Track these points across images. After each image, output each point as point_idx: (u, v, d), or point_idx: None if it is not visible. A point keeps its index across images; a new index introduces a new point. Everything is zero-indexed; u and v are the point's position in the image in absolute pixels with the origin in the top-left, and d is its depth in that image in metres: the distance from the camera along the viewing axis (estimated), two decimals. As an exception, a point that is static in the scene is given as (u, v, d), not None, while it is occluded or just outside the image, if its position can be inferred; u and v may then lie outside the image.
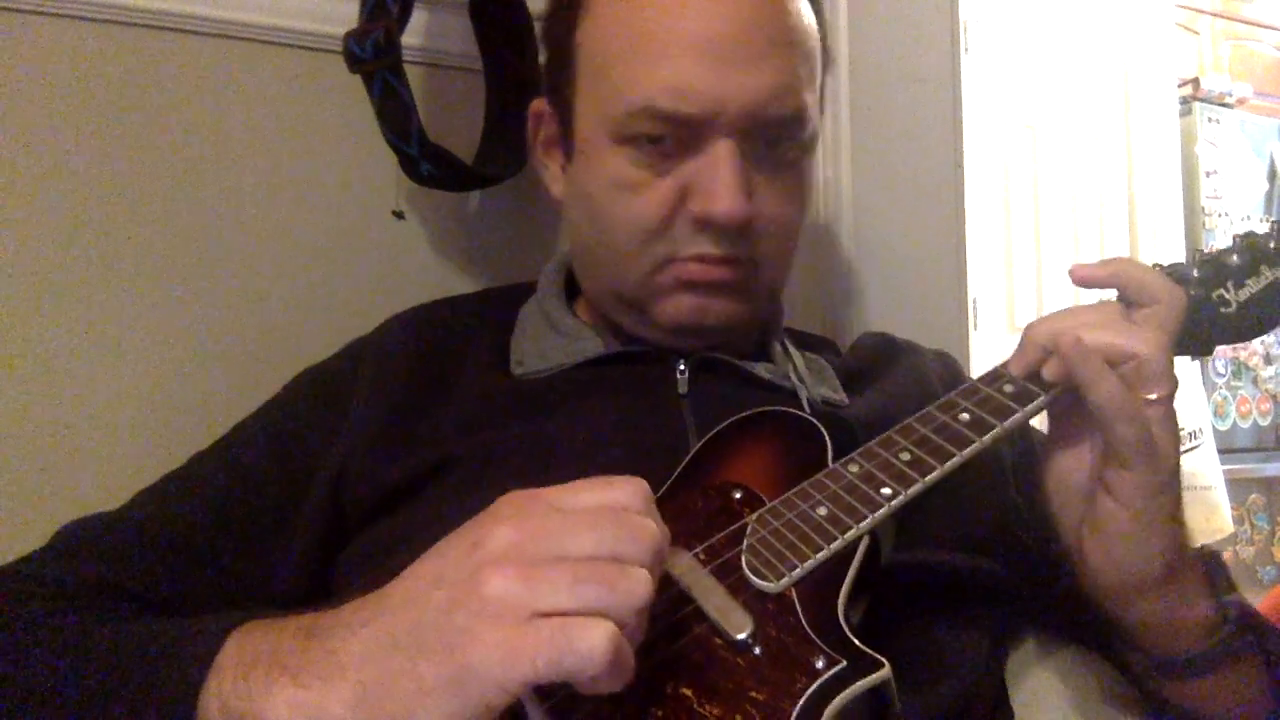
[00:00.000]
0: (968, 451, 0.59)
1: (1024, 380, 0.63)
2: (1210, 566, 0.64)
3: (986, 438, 0.60)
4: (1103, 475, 0.59)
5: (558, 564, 0.43)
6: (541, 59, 0.85)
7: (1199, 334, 0.69)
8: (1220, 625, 0.62)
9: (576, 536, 0.44)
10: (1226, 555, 2.49)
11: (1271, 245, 0.70)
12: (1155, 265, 0.74)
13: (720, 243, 0.73)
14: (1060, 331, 0.61)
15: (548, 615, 0.42)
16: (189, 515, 0.71)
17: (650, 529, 0.46)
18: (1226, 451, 2.34)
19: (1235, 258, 0.70)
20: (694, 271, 0.73)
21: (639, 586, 0.44)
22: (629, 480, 0.49)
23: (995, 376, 0.64)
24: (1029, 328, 0.65)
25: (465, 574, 0.44)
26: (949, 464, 0.59)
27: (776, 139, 0.74)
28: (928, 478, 0.58)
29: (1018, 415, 0.61)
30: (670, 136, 0.71)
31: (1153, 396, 0.58)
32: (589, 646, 0.41)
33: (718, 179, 0.70)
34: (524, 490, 0.49)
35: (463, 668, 0.42)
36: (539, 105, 0.83)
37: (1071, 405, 0.63)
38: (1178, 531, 0.61)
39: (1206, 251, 0.71)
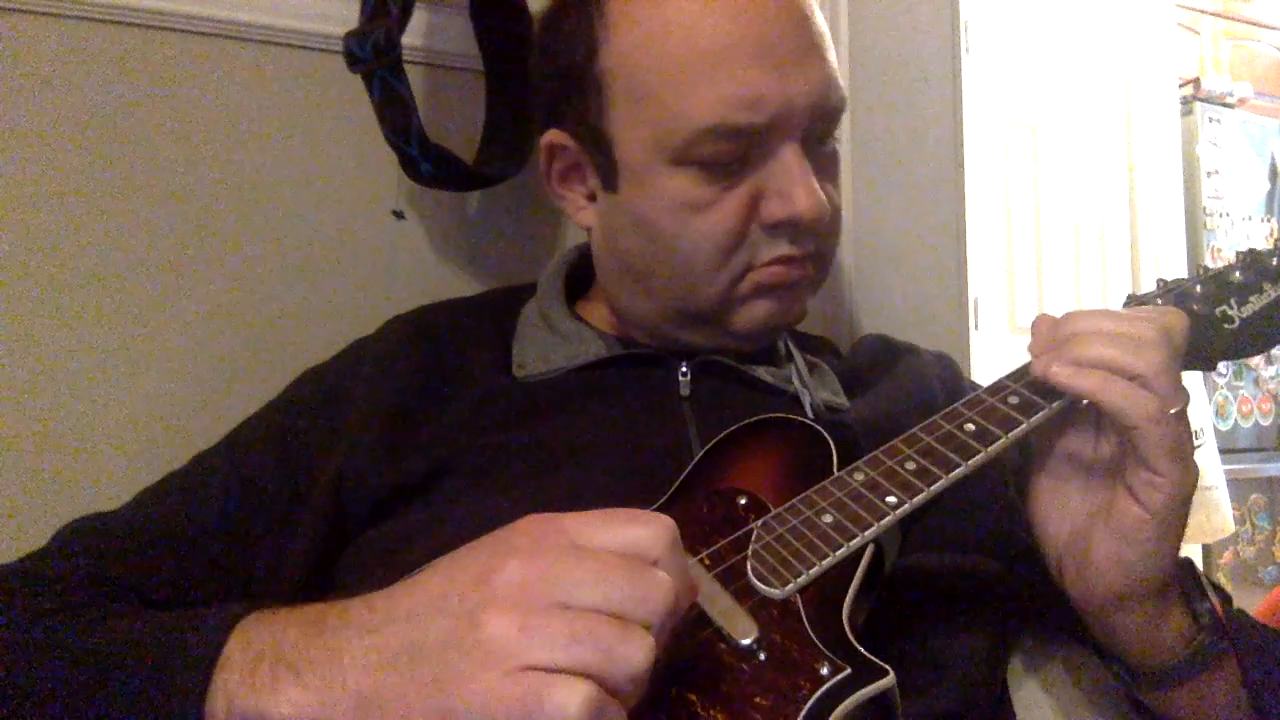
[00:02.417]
0: (973, 462, 0.59)
1: (1028, 392, 0.63)
2: (1184, 574, 0.64)
3: (992, 449, 0.60)
4: (1128, 483, 0.59)
5: (559, 615, 0.42)
6: (542, 84, 0.81)
7: (1202, 350, 0.69)
8: (1195, 634, 0.62)
9: (585, 586, 0.43)
10: (1227, 555, 2.50)
11: (1274, 262, 0.71)
12: (1159, 280, 0.74)
13: (801, 242, 0.73)
14: (1061, 339, 0.61)
15: (536, 669, 0.41)
16: (191, 515, 0.71)
17: (664, 587, 0.44)
18: (1228, 451, 2.35)
19: (1238, 274, 0.71)
20: (775, 275, 0.74)
21: (638, 653, 0.42)
22: (656, 520, 0.47)
23: (999, 388, 0.64)
24: (1034, 327, 0.65)
25: (468, 608, 0.43)
26: (954, 474, 0.59)
27: (827, 129, 0.74)
28: (933, 487, 0.58)
29: (1022, 427, 0.61)
30: (740, 150, 0.70)
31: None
32: (560, 711, 0.40)
33: (795, 181, 0.70)
34: (544, 515, 0.47)
35: (446, 708, 0.41)
36: (553, 137, 0.78)
37: (1059, 424, 0.63)
38: (1180, 539, 0.61)
39: (1210, 268, 0.72)
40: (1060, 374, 0.59)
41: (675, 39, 0.70)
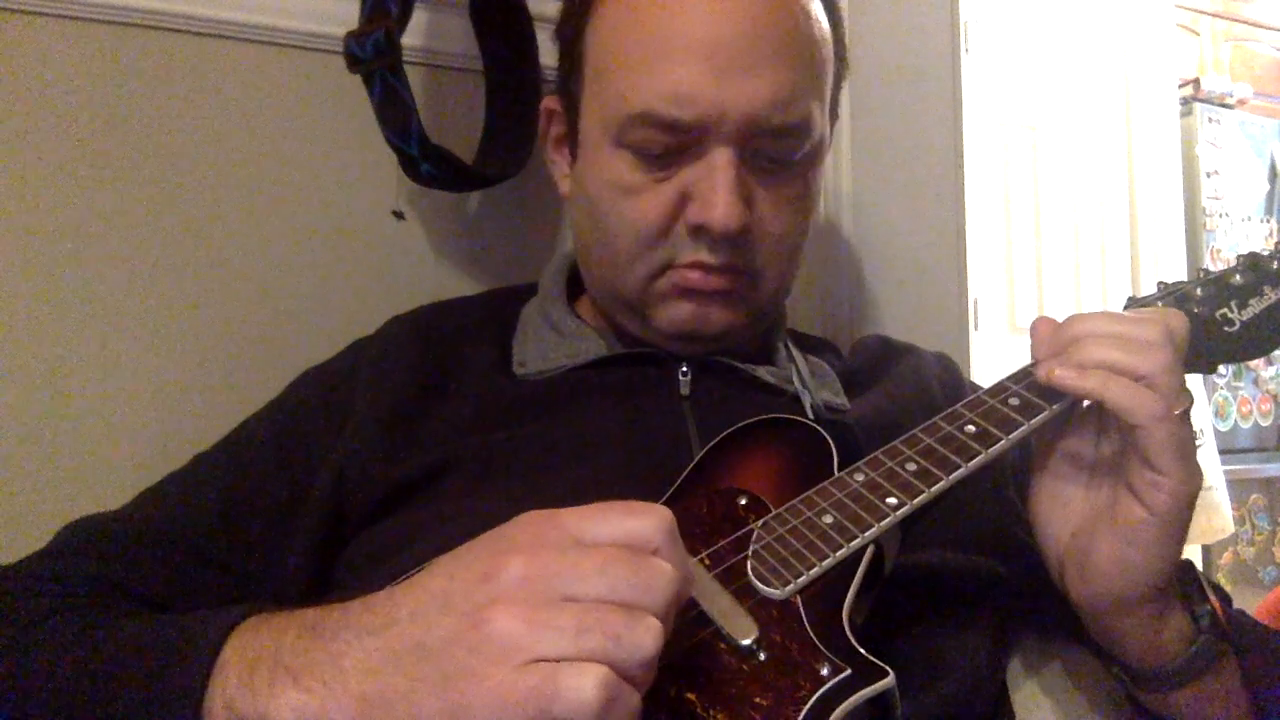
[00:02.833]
0: (974, 463, 0.60)
1: (1029, 394, 0.63)
2: (1184, 575, 0.64)
3: (992, 450, 0.60)
4: (1131, 484, 0.59)
5: (565, 607, 0.42)
6: (552, 57, 0.86)
7: (1203, 352, 0.70)
8: (1195, 635, 0.62)
9: (589, 579, 0.43)
10: (1227, 555, 2.50)
11: (1274, 266, 0.71)
12: (1159, 283, 0.74)
13: (717, 252, 0.72)
14: (1064, 343, 0.61)
15: (547, 660, 0.41)
16: (191, 515, 0.71)
17: (667, 574, 0.45)
18: (1227, 452, 2.35)
19: (1238, 277, 0.71)
20: (692, 279, 0.73)
21: (646, 637, 0.42)
22: (653, 511, 0.47)
23: (1000, 389, 0.64)
24: (1034, 330, 0.65)
25: (472, 606, 0.43)
26: (954, 475, 0.59)
27: (779, 148, 0.73)
28: (933, 489, 0.58)
29: (1023, 429, 0.61)
30: (669, 143, 0.71)
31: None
32: (576, 696, 0.40)
33: (714, 188, 0.70)
34: (542, 511, 0.47)
35: (458, 706, 0.41)
36: (550, 103, 0.84)
37: (1060, 425, 0.63)
38: (1183, 541, 0.61)
39: (1210, 271, 0.72)
40: (1065, 377, 0.59)
41: (637, 26, 0.72)
